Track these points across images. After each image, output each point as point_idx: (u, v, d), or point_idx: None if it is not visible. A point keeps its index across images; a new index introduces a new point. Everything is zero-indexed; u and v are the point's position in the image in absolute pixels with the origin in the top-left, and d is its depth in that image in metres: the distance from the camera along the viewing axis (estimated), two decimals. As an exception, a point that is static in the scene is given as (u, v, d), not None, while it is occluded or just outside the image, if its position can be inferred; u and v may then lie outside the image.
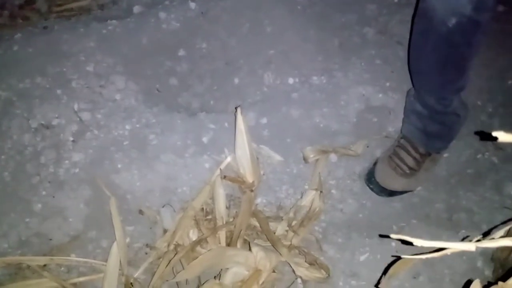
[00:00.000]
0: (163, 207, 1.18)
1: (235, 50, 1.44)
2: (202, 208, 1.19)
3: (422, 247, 0.62)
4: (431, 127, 1.20)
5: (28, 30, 1.43)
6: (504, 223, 1.08)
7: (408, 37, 1.54)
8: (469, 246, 0.61)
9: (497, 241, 0.63)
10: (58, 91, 1.29)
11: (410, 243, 0.62)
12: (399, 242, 1.09)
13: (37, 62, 1.33)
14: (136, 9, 1.52)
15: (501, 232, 0.73)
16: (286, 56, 1.42)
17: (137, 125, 1.27)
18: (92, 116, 1.27)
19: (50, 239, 1.13)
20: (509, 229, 0.85)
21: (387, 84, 1.39)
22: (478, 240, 0.63)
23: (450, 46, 1.03)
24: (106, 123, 1.27)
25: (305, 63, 1.42)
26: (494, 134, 0.52)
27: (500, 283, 0.69)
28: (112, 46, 1.39)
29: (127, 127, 1.27)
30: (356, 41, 1.50)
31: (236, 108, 1.21)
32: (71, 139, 1.24)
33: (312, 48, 1.44)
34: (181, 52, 1.44)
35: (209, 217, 1.17)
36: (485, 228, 1.17)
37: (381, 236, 1.12)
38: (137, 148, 1.23)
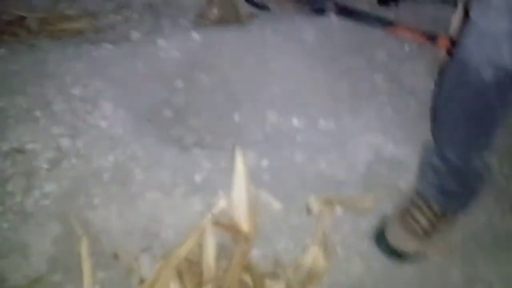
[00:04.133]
0: (142, 252, 1.00)
1: (237, 85, 1.31)
2: (187, 258, 1.02)
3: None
4: (449, 185, 1.07)
5: (13, 46, 1.30)
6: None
7: (419, 88, 1.48)
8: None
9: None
10: (37, 113, 1.14)
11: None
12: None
13: (18, 80, 1.18)
14: (134, 35, 1.40)
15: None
16: (292, 94, 1.30)
17: (122, 157, 1.11)
18: (72, 143, 1.11)
19: (5, 281, 0.94)
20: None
21: (398, 134, 1.27)
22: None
23: (482, 100, 0.91)
24: (87, 152, 1.10)
25: (312, 105, 1.30)
26: None
27: None
28: (103, 70, 1.26)
29: (110, 158, 1.10)
30: (365, 87, 1.39)
31: (235, 146, 1.07)
32: (45, 166, 1.07)
33: (320, 90, 1.33)
34: (179, 83, 1.31)
35: (195, 268, 1.00)
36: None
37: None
38: (119, 183, 1.06)
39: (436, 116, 1.05)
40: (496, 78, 0.86)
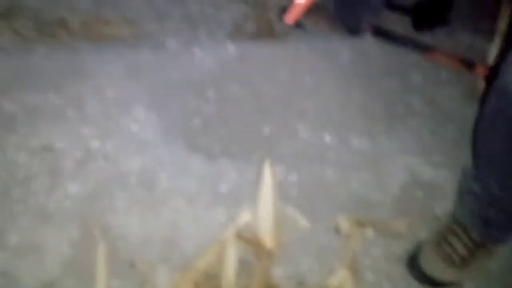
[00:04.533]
0: (160, 262, 0.94)
1: (268, 98, 1.26)
2: (206, 271, 0.95)
3: None
4: (490, 214, 0.98)
5: (53, 46, 1.29)
6: None
7: (457, 114, 1.40)
8: None
9: None
10: (69, 112, 1.12)
11: None
12: None
13: (54, 78, 1.18)
14: (171, 44, 1.38)
15: None
16: (325, 111, 1.24)
17: (149, 162, 1.07)
18: (101, 145, 1.08)
19: (18, 282, 0.89)
20: None
21: (436, 158, 1.19)
22: None
23: None
24: (115, 155, 1.07)
25: (345, 122, 1.23)
26: None
27: None
28: (139, 75, 1.24)
29: (138, 162, 1.07)
30: (401, 108, 1.32)
31: (264, 158, 1.01)
32: (72, 166, 1.04)
33: (354, 108, 1.26)
34: (211, 93, 1.27)
35: (214, 283, 0.93)
36: None
37: None
38: (143, 188, 1.03)
39: (476, 143, 0.99)
40: None
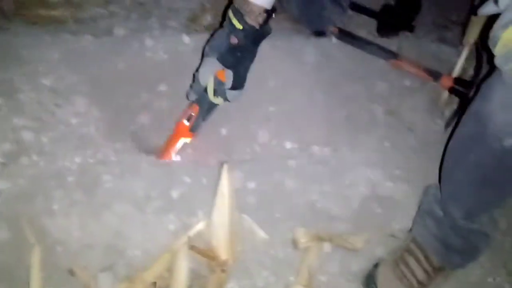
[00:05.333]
0: (103, 271, 0.95)
1: (227, 98, 1.30)
2: (155, 283, 0.97)
3: None
4: (452, 240, 1.06)
5: (-16, 27, 1.26)
6: None
7: (419, 125, 1.52)
8: None
9: None
10: (-1, 100, 1.10)
11: None
12: None
13: (-17, 61, 1.14)
14: (118, 31, 1.38)
15: None
16: (287, 116, 1.30)
17: (91, 160, 1.07)
18: (36, 138, 1.06)
19: None
20: None
21: (396, 172, 1.28)
22: None
23: (499, 167, 0.90)
24: (51, 150, 1.06)
25: (308, 129, 1.30)
26: None
27: None
28: (80, 63, 1.23)
29: (77, 159, 1.06)
30: (364, 118, 1.41)
31: (222, 163, 1.05)
32: (0, 161, 1.02)
33: (317, 115, 1.33)
34: (163, 87, 1.29)
35: (162, 296, 0.96)
36: None
37: None
38: (84, 189, 1.02)
39: (445, 169, 1.04)
40: None
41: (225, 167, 1.05)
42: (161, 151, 1.22)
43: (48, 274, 0.92)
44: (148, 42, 1.32)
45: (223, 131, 1.25)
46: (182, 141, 1.19)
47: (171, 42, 1.34)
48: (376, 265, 1.12)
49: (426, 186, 1.15)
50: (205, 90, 1.13)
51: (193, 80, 1.15)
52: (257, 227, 1.09)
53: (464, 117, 0.97)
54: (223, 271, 1.00)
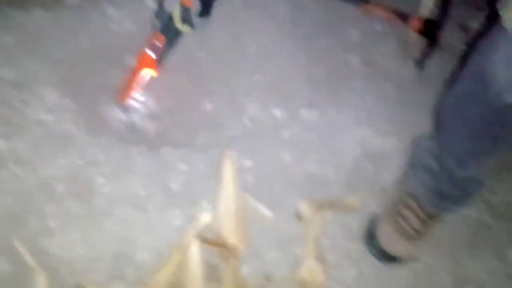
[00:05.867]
0: (113, 280, 0.90)
1: (206, 68, 1.21)
2: (170, 282, 0.94)
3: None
4: (445, 188, 1.09)
5: None
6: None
7: (393, 72, 1.51)
8: None
9: None
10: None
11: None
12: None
13: None
14: (73, 0, 1.20)
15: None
16: (271, 81, 1.24)
17: (77, 162, 0.97)
18: (9, 145, 0.94)
19: None
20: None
21: (383, 126, 1.29)
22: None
23: (499, 122, 0.91)
24: (30, 157, 0.95)
25: (293, 93, 1.24)
26: None
27: None
28: (38, 45, 1.08)
29: (63, 163, 0.96)
30: (343, 71, 1.38)
31: (223, 149, 0.99)
32: (-25, 179, 0.90)
33: (300, 75, 1.28)
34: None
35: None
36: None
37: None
38: (76, 197, 0.94)
39: (439, 120, 1.05)
40: None
41: (227, 154, 0.99)
42: (122, 91, 1.10)
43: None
44: (110, 11, 1.17)
45: (208, 106, 1.16)
46: (147, 73, 1.09)
47: (135, 10, 1.20)
48: (372, 221, 1.15)
49: (415, 138, 1.16)
50: (170, 17, 1.05)
51: (158, 7, 1.06)
52: (262, 206, 1.07)
53: (463, 74, 0.97)
54: (235, 257, 0.98)
